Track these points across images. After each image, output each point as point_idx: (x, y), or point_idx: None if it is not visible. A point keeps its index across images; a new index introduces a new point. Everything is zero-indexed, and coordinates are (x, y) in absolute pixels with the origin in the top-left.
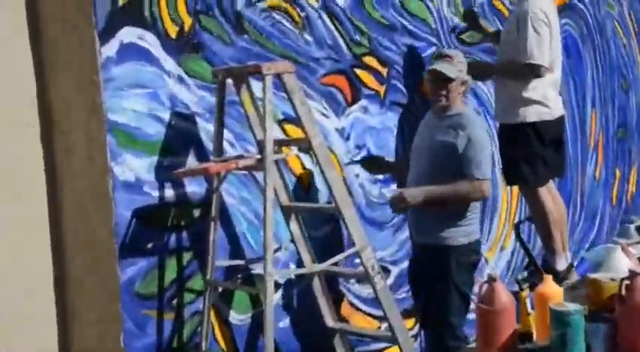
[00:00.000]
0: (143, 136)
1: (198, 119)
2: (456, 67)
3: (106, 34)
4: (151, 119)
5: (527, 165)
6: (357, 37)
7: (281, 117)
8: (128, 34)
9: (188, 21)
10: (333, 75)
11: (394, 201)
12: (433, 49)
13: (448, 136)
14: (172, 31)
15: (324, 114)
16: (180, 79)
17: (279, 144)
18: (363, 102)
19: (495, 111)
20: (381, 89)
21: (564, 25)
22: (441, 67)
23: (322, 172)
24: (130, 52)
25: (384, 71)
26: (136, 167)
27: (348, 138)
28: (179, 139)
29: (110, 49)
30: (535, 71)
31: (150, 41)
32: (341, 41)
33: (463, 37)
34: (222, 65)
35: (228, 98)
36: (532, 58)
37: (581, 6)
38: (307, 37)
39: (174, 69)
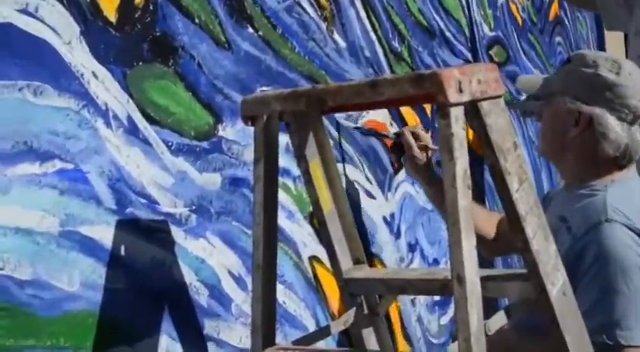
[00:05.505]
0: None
1: (185, 241)
2: (553, 80)
3: None
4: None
5: None
6: (397, 45)
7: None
8: None
9: None
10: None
11: None
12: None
13: (558, 234)
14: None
15: (368, 193)
16: (133, 130)
17: None
18: None
19: None
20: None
21: (557, 46)
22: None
23: None
24: None
25: (428, 107)
26: None
27: (398, 235)
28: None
29: None
30: None
31: (54, 24)
32: (379, 50)
33: (491, 52)
34: (214, 86)
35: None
36: None
37: (567, 22)
38: (337, 38)
39: (114, 99)
